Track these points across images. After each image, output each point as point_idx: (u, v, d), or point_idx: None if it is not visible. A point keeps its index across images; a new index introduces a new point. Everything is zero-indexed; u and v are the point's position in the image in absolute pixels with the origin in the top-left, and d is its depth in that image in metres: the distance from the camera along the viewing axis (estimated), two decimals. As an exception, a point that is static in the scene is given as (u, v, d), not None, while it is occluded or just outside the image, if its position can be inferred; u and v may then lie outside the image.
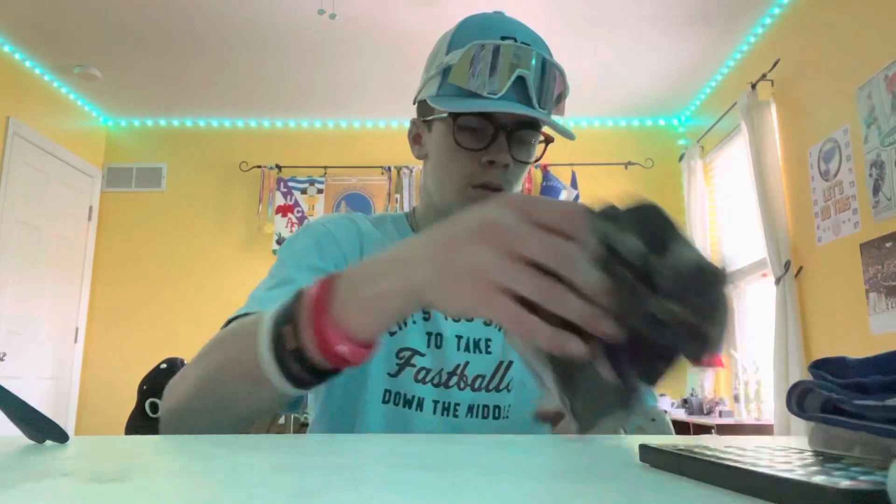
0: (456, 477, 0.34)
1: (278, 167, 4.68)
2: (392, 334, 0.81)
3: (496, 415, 0.82)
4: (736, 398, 3.66)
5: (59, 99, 4.33)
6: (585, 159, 4.65)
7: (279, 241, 4.49)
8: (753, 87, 3.43)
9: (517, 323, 0.41)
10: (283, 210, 4.61)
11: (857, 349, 2.69)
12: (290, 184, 4.66)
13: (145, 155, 4.83)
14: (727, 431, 3.24)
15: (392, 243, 0.88)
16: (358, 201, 4.65)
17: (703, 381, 4.03)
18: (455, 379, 0.82)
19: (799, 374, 2.98)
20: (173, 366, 2.51)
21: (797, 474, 0.26)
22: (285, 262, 0.79)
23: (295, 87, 4.29)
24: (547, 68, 0.80)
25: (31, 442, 0.45)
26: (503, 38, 0.79)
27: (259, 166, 4.69)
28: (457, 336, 0.83)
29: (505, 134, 0.79)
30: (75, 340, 4.46)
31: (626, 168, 4.69)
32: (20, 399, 0.45)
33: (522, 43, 0.80)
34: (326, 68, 4.03)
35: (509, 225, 0.42)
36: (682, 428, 3.51)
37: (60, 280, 4.31)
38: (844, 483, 0.24)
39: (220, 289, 4.47)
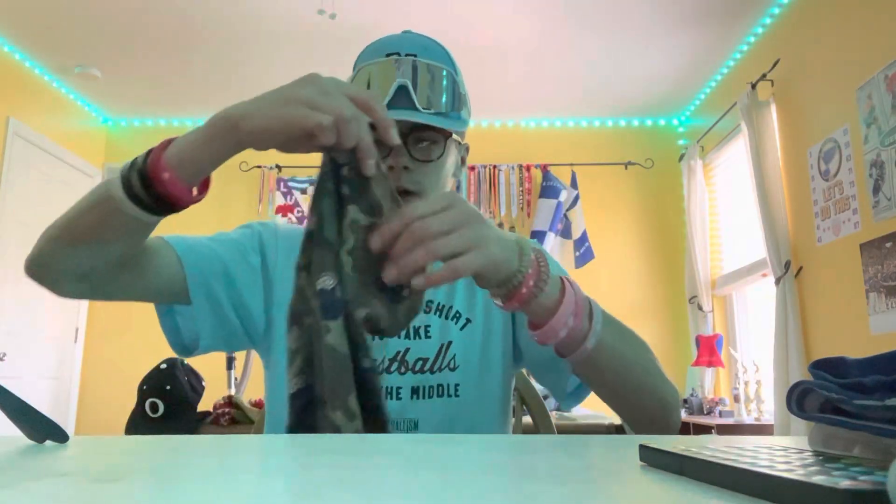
0: (457, 477, 0.34)
1: (278, 167, 4.68)
2: None
3: (440, 393, 0.88)
4: (736, 398, 3.66)
5: (59, 99, 4.33)
6: (585, 159, 4.65)
7: (279, 241, 4.49)
8: (753, 87, 3.43)
9: (304, 117, 0.56)
10: (283, 210, 4.61)
11: (857, 349, 2.69)
12: (290, 184, 4.66)
13: (145, 155, 4.81)
14: (727, 431, 3.24)
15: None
16: (358, 201, 4.65)
17: (704, 381, 4.03)
18: (396, 365, 0.88)
19: (799, 374, 2.98)
20: (173, 366, 2.51)
21: (797, 474, 0.26)
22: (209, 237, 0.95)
23: (295, 87, 4.29)
24: (428, 71, 0.87)
25: (31, 442, 0.45)
26: (388, 56, 0.87)
27: (259, 166, 4.69)
28: None
29: (401, 140, 0.87)
30: (75, 340, 4.46)
31: (626, 168, 4.69)
32: (20, 399, 0.45)
33: (407, 55, 0.87)
34: (326, 68, 4.02)
35: (323, 78, 0.60)
36: (682, 428, 3.50)
37: (60, 280, 4.30)
38: (844, 483, 0.24)
39: (220, 289, 4.45)
